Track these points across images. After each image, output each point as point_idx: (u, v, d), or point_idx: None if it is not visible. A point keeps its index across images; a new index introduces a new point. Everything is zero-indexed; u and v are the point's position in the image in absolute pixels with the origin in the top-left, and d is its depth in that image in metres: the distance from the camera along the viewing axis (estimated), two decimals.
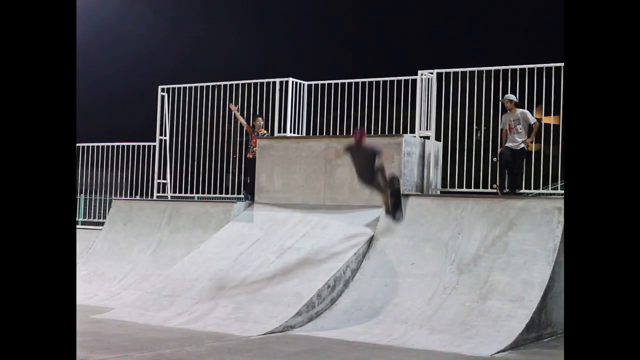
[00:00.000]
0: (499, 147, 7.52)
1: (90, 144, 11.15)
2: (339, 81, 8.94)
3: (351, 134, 7.29)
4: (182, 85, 9.86)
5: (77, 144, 11.08)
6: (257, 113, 9.15)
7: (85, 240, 9.06)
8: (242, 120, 9.12)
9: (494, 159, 7.64)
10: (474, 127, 8.32)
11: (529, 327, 5.65)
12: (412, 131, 8.21)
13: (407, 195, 7.42)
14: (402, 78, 8.51)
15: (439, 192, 7.97)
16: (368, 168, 6.60)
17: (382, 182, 6.62)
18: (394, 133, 8.59)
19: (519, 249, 6.28)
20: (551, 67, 7.38)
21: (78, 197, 11.37)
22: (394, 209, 6.81)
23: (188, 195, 9.93)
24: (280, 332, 5.95)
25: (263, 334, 5.84)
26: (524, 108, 7.52)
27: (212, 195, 9.65)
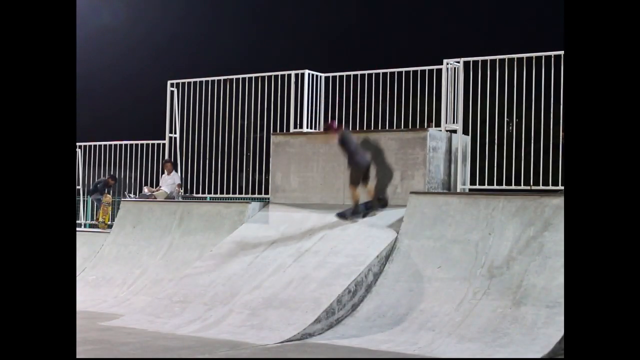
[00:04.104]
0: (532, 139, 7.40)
1: (97, 143, 11.29)
2: (358, 72, 8.90)
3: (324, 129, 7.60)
4: (192, 80, 9.92)
5: (85, 143, 11.23)
6: (254, 111, 9.35)
7: (93, 243, 9.17)
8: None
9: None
10: (505, 119, 8.20)
11: None
12: (438, 125, 8.12)
13: (432, 194, 7.36)
14: (427, 68, 8.43)
15: (467, 190, 7.89)
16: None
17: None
18: (418, 127, 8.52)
19: (556, 250, 6.17)
20: None
21: (85, 198, 11.53)
22: (362, 209, 6.87)
23: (200, 195, 9.99)
24: (298, 340, 5.95)
25: (280, 342, 5.84)
26: (560, 97, 7.40)
27: (225, 195, 9.70)
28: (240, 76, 9.59)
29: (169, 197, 9.70)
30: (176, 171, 9.95)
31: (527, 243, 6.39)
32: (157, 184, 10.15)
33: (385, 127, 8.71)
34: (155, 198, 9.60)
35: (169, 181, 9.86)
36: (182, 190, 9.85)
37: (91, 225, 10.80)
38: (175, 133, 10.04)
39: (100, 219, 10.50)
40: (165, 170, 9.97)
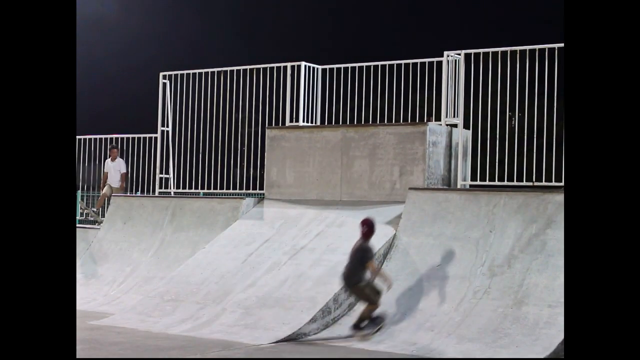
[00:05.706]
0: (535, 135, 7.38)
1: (87, 136, 11.24)
2: (356, 65, 8.85)
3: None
4: (185, 72, 9.86)
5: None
6: (249, 105, 9.32)
7: (83, 240, 9.15)
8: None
9: None
10: (508, 113, 8.18)
11: None
12: (438, 119, 8.10)
13: (432, 190, 7.34)
14: (426, 60, 8.38)
15: (467, 186, 7.86)
16: (357, 268, 5.98)
17: (370, 291, 6.00)
18: (417, 121, 8.49)
19: (558, 248, 6.16)
20: None
21: (81, 193, 11.49)
22: (372, 322, 5.94)
23: (192, 191, 9.94)
24: (293, 340, 5.94)
25: (274, 342, 5.83)
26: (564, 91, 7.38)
27: (218, 191, 9.66)
28: (235, 68, 9.53)
29: (117, 191, 9.85)
30: (121, 158, 10.12)
31: (529, 241, 6.37)
32: (149, 178, 10.13)
33: (384, 121, 8.67)
34: (106, 197, 9.78)
35: (114, 169, 10.05)
36: (123, 183, 10.01)
37: (81, 221, 10.75)
38: (167, 126, 9.98)
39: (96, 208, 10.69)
40: (110, 156, 10.11)
